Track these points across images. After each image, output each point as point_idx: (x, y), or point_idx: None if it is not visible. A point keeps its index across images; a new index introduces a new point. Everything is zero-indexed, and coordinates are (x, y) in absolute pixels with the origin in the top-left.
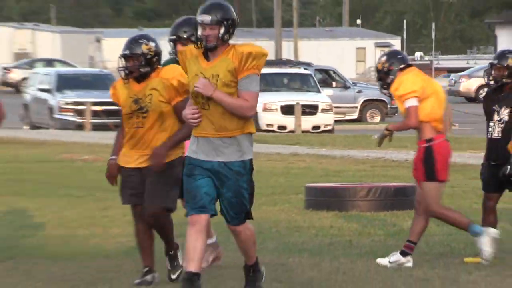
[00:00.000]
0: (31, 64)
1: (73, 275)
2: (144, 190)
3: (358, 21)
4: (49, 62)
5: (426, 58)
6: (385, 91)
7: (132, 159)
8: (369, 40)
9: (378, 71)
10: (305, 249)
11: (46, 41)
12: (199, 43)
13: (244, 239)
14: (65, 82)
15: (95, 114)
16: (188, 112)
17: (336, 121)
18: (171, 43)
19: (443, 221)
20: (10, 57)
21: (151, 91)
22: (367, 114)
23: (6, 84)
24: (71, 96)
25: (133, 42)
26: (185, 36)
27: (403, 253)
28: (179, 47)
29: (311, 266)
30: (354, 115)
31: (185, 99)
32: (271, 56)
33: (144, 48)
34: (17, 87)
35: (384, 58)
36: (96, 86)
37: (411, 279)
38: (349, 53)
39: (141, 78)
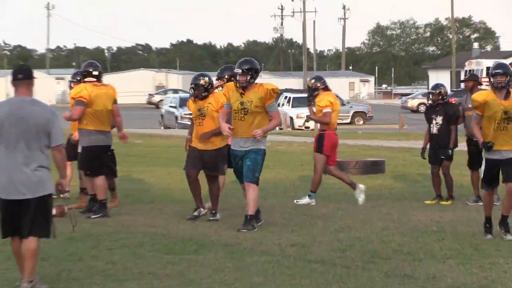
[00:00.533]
0: (165, 92)
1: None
2: (199, 163)
3: (350, 67)
4: (175, 91)
5: (389, 88)
6: (311, 100)
7: (195, 143)
8: (356, 78)
9: (309, 87)
10: (320, 195)
11: (174, 79)
12: (237, 83)
13: (249, 195)
14: (184, 102)
15: None
16: (225, 128)
17: (338, 124)
18: (218, 80)
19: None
20: (153, 88)
21: (208, 105)
22: (355, 120)
23: (150, 103)
24: (187, 110)
25: (197, 78)
26: (227, 77)
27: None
28: (223, 83)
29: (323, 206)
30: (348, 120)
31: (221, 110)
32: (300, 87)
33: (202, 82)
34: (157, 105)
35: (313, 80)
36: None
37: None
38: (345, 85)
39: (203, 97)
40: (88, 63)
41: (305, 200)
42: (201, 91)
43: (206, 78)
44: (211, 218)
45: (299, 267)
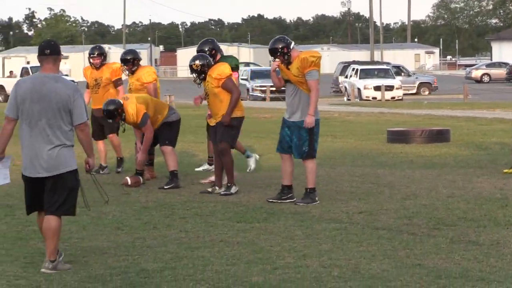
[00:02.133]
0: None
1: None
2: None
3: (416, 40)
4: (247, 64)
5: (453, 59)
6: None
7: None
8: (422, 49)
9: (194, 69)
10: (387, 164)
11: (245, 53)
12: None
13: (309, 169)
14: (256, 75)
15: (271, 92)
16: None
17: (404, 94)
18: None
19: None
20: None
21: (207, 83)
22: (421, 90)
23: None
24: (258, 82)
25: (190, 64)
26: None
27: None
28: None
29: (389, 174)
30: (413, 91)
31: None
32: (367, 59)
33: (194, 66)
34: None
35: (197, 61)
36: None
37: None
38: (411, 56)
39: (202, 79)
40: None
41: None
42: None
43: (197, 62)
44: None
45: (366, 234)
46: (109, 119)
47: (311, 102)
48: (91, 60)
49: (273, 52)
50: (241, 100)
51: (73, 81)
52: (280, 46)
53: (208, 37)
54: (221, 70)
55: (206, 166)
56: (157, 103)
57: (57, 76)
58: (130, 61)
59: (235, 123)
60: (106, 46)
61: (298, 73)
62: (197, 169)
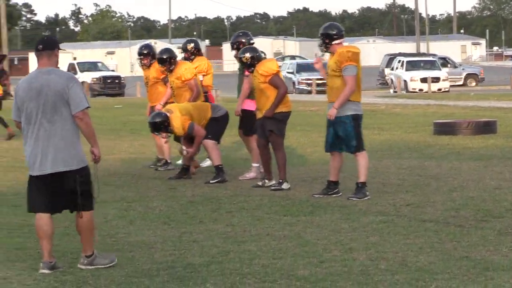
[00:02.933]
0: (283, 58)
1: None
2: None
3: (462, 31)
4: (293, 57)
5: (500, 50)
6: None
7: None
8: (468, 41)
9: (243, 62)
10: (434, 156)
11: (291, 46)
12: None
13: (361, 164)
14: (301, 68)
15: (317, 85)
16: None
17: (451, 86)
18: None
19: None
20: (271, 55)
21: (254, 77)
22: (468, 81)
23: None
24: (304, 75)
25: (240, 57)
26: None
27: None
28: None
29: (436, 166)
30: (460, 82)
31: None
32: (413, 51)
33: (244, 59)
34: None
35: (248, 54)
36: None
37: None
38: (457, 48)
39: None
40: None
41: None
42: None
43: (247, 54)
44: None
45: (413, 226)
46: (155, 132)
47: (341, 95)
48: (140, 61)
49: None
50: (287, 93)
51: (118, 77)
52: (328, 33)
53: (242, 30)
54: (268, 66)
55: (209, 162)
56: (200, 109)
57: (51, 69)
58: (167, 61)
59: (280, 117)
60: (152, 41)
61: (336, 67)
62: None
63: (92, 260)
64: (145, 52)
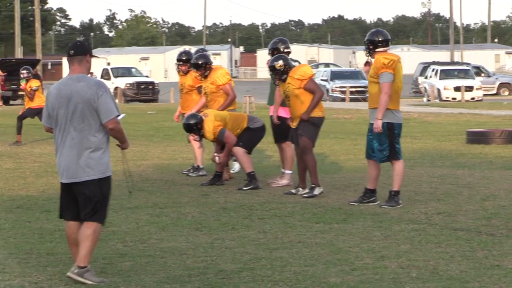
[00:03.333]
0: (317, 66)
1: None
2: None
3: (496, 40)
4: (327, 65)
5: None
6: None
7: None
8: (502, 50)
9: (276, 70)
10: (466, 164)
11: (325, 53)
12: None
13: (395, 172)
14: (335, 75)
15: (351, 93)
16: None
17: (484, 95)
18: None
19: None
20: (305, 62)
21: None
22: (501, 91)
23: None
24: (338, 83)
25: (272, 64)
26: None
27: None
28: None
29: (468, 175)
30: (493, 91)
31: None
32: (447, 59)
33: (277, 66)
34: None
35: (281, 61)
36: (352, 77)
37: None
38: (490, 57)
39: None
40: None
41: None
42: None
43: (280, 62)
44: (305, 195)
45: (445, 235)
46: (188, 132)
47: (379, 105)
48: (178, 67)
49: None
50: (322, 100)
51: (152, 82)
52: (373, 39)
53: (280, 37)
54: (304, 71)
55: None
56: (236, 118)
57: (81, 76)
58: (202, 66)
59: (316, 121)
60: (187, 47)
61: (373, 73)
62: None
63: (83, 273)
64: (184, 58)
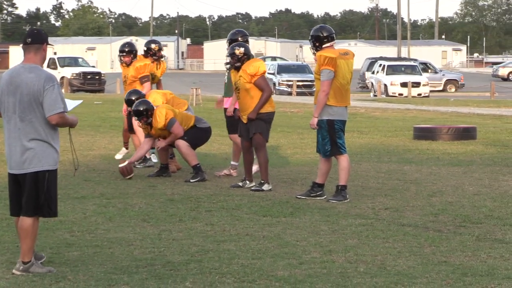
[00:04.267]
0: (264, 59)
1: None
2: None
3: (443, 36)
4: (273, 58)
5: (480, 57)
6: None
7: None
8: (449, 46)
9: (235, 55)
10: (413, 160)
11: (272, 47)
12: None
13: (340, 166)
14: (282, 69)
15: (298, 87)
16: None
17: (431, 91)
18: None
19: None
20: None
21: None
22: (448, 87)
23: None
24: (285, 77)
25: (232, 47)
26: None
27: None
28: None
29: (415, 170)
30: (440, 88)
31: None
32: (394, 55)
33: (237, 52)
34: None
35: (242, 49)
36: (299, 71)
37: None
38: (437, 53)
39: (236, 68)
40: None
41: None
42: (236, 61)
43: (242, 49)
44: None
45: (392, 230)
46: (136, 117)
47: (317, 102)
48: (121, 58)
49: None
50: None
51: (99, 73)
52: (318, 35)
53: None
54: (257, 66)
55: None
56: (184, 116)
57: (33, 67)
58: (131, 52)
59: (265, 117)
60: (133, 38)
61: (317, 70)
62: (116, 156)
63: (29, 267)
64: (127, 50)
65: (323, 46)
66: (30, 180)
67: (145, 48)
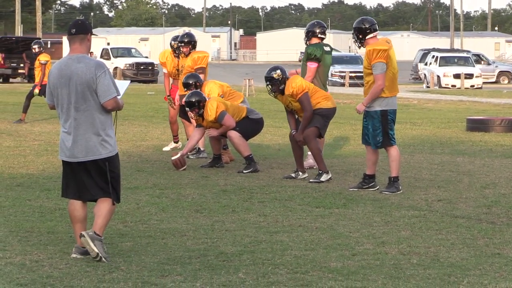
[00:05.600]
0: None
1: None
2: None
3: (496, 28)
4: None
5: None
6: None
7: None
8: (502, 38)
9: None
10: (466, 152)
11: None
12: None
13: (391, 158)
14: (335, 60)
15: (351, 78)
16: None
17: (484, 83)
18: None
19: None
20: (302, 47)
21: None
22: (500, 79)
23: (300, 60)
24: (338, 68)
25: (269, 71)
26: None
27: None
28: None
29: (468, 162)
30: (493, 79)
31: None
32: (447, 47)
33: (275, 76)
34: None
35: (279, 71)
36: (351, 63)
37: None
38: (490, 45)
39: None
40: None
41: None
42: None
43: (278, 71)
44: (311, 180)
45: (445, 222)
46: (188, 108)
47: (370, 93)
48: (180, 48)
49: (354, 31)
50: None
51: (152, 63)
52: (360, 27)
53: (317, 20)
54: (295, 85)
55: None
56: (235, 108)
57: (81, 56)
58: (190, 43)
59: (325, 112)
60: (186, 29)
61: (367, 64)
62: (164, 149)
63: (96, 239)
64: (186, 40)
65: (367, 38)
66: (94, 168)
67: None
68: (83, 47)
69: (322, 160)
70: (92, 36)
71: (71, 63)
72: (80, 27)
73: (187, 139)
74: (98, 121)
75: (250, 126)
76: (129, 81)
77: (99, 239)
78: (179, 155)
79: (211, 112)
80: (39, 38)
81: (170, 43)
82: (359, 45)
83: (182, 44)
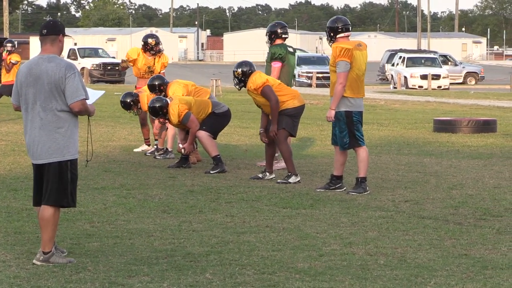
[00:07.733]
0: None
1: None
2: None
3: (463, 29)
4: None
5: (500, 49)
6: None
7: None
8: (469, 39)
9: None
10: (433, 153)
11: (292, 39)
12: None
13: (359, 158)
14: (302, 61)
15: (318, 79)
16: None
17: (450, 84)
18: None
19: None
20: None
21: None
22: (468, 80)
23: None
24: (305, 68)
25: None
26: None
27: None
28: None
29: (435, 163)
30: (460, 80)
31: None
32: (414, 47)
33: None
34: None
35: (239, 69)
36: (319, 63)
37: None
38: (458, 46)
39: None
40: None
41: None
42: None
43: (239, 69)
44: (278, 181)
45: (412, 223)
46: (153, 116)
47: (334, 95)
48: (159, 47)
49: (326, 29)
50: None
51: (119, 64)
52: (333, 26)
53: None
54: (255, 81)
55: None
56: (200, 104)
57: (52, 57)
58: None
59: (293, 112)
60: (153, 30)
61: (332, 62)
62: (135, 150)
63: (49, 258)
64: (159, 40)
65: (338, 36)
66: (53, 170)
67: (143, 42)
68: (55, 48)
69: (292, 162)
70: (65, 37)
71: (42, 62)
72: (51, 28)
73: (155, 139)
74: (64, 123)
75: (216, 121)
76: (103, 91)
77: (51, 254)
78: (185, 146)
79: (173, 118)
80: (6, 38)
81: (147, 41)
82: (330, 43)
83: (159, 43)
